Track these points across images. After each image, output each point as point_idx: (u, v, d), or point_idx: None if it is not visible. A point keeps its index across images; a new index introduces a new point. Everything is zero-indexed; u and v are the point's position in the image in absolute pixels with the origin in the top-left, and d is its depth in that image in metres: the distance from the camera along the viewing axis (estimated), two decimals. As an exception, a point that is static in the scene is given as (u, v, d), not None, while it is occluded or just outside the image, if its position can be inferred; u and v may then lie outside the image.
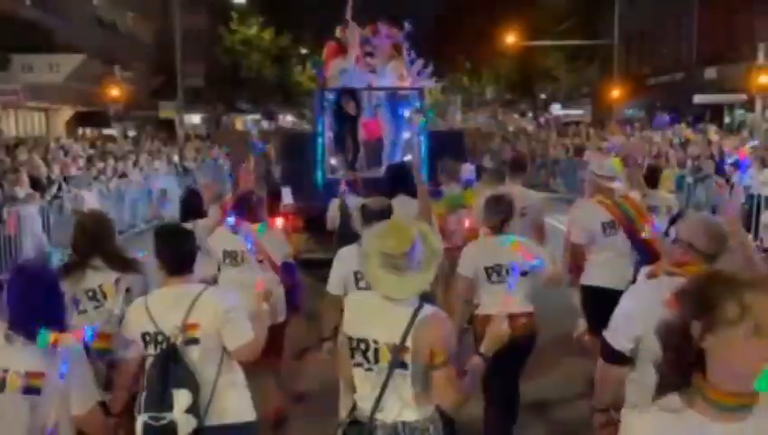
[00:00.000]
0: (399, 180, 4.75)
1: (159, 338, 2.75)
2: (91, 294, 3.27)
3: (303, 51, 41.31)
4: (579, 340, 5.35)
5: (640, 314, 2.49)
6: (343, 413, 2.79)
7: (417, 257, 2.40)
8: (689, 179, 11.36)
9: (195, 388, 2.67)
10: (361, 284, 3.64)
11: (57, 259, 3.77)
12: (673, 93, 26.85)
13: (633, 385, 2.57)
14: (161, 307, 2.78)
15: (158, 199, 13.47)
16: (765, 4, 21.92)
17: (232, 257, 4.33)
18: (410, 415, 2.39)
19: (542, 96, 43.33)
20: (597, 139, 18.05)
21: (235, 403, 2.83)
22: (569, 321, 5.64)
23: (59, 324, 2.40)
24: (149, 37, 34.99)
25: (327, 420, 3.44)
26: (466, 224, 5.42)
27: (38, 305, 2.37)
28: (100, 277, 3.28)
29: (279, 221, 6.26)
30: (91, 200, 10.19)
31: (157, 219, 12.46)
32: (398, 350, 2.34)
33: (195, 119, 37.69)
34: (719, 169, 11.03)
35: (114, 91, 21.62)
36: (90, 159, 13.21)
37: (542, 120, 40.96)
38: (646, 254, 4.24)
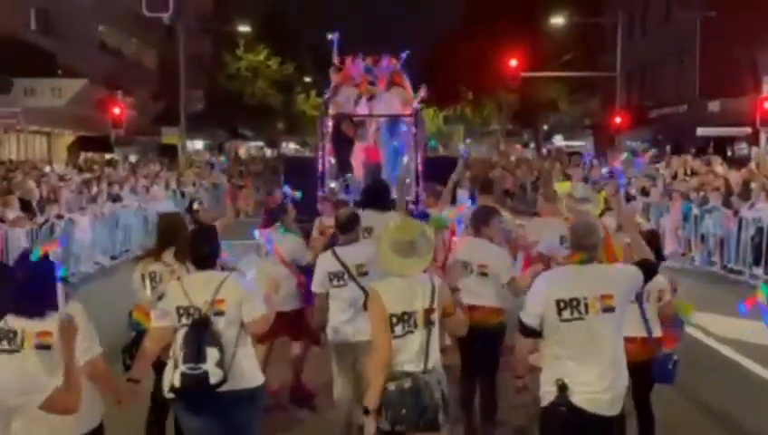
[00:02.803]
0: (370, 198, 5.53)
1: (191, 311, 3.42)
2: (153, 275, 4.15)
3: (307, 79, 41.56)
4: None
5: (540, 296, 3.29)
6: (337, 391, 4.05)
7: (421, 245, 3.30)
8: (696, 211, 11.13)
9: (221, 348, 3.34)
10: (334, 282, 4.43)
11: None
12: (676, 126, 26.78)
13: (545, 351, 3.33)
14: (194, 287, 3.46)
15: (154, 225, 13.21)
16: (767, 38, 21.96)
17: (257, 248, 5.36)
18: (436, 360, 3.27)
19: (545, 127, 43.39)
20: (600, 169, 17.83)
21: (249, 370, 3.48)
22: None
23: (54, 307, 2.92)
24: (153, 63, 35.20)
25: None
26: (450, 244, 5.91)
27: (40, 293, 2.90)
28: (161, 265, 4.13)
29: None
30: (82, 225, 9.96)
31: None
32: (429, 312, 3.24)
33: (197, 145, 37.78)
34: (726, 202, 10.79)
35: (116, 116, 21.59)
36: (87, 183, 13.02)
37: (544, 150, 40.96)
38: None
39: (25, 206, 9.25)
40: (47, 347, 2.87)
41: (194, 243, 3.62)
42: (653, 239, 4.25)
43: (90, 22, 27.61)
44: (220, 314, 3.41)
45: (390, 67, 9.63)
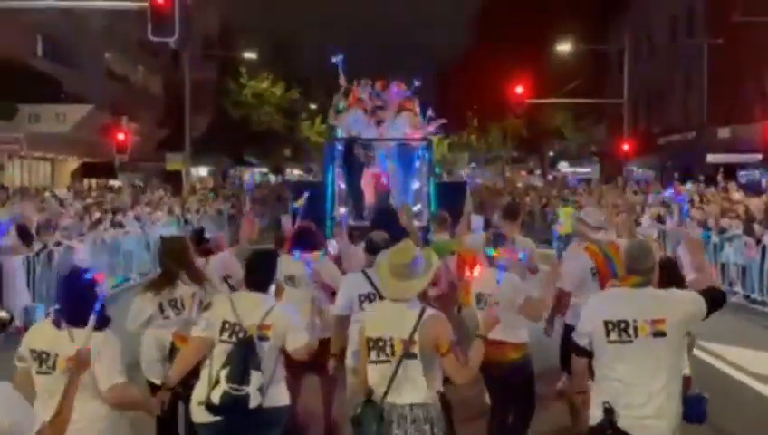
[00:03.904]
0: (378, 224, 5.40)
1: (237, 329, 3.43)
2: (173, 303, 4.12)
3: (312, 106, 41.60)
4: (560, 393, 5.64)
5: (590, 317, 3.31)
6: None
7: (417, 268, 3.23)
8: (715, 239, 10.78)
9: (263, 373, 3.37)
10: (365, 305, 4.29)
11: (40, 315, 4.38)
12: (684, 153, 26.56)
13: (596, 372, 3.32)
14: (244, 306, 3.48)
15: (157, 250, 12.90)
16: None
17: (291, 280, 4.97)
18: (418, 397, 3.07)
19: (550, 154, 43.27)
20: (612, 196, 17.57)
21: (281, 391, 3.54)
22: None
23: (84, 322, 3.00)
24: (159, 90, 35.29)
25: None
26: (453, 271, 5.85)
27: (79, 305, 3.01)
28: (181, 290, 4.12)
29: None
30: (82, 252, 9.65)
31: (153, 272, 11.96)
32: (407, 343, 3.08)
33: (202, 171, 37.66)
34: (748, 230, 10.43)
35: (120, 142, 21.47)
36: (88, 209, 12.74)
37: (549, 177, 40.77)
38: None
39: (23, 232, 8.95)
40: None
41: (253, 266, 3.66)
42: (671, 267, 4.05)
43: (96, 49, 27.73)
44: (265, 338, 3.44)
45: (401, 93, 9.46)
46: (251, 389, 3.32)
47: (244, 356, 3.35)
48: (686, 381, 4.00)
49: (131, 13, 15.72)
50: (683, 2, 27.76)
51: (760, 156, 21.52)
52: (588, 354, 3.30)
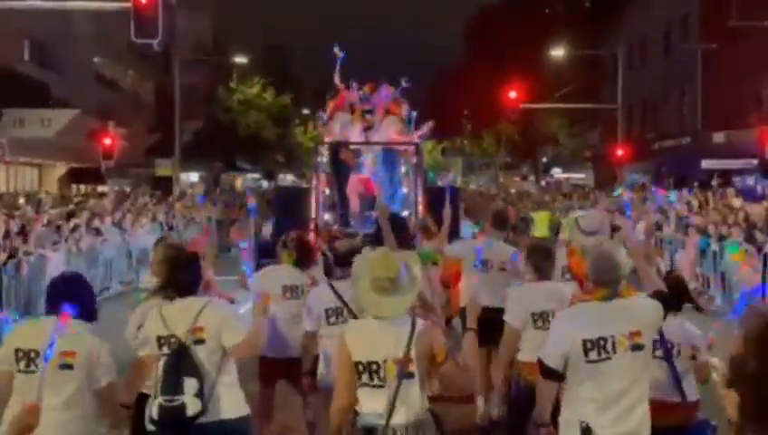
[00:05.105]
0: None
1: (172, 340, 3.33)
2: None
3: (305, 111, 41.33)
4: None
5: (565, 336, 3.09)
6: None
7: (402, 282, 2.96)
8: (714, 246, 10.47)
9: (201, 378, 3.26)
10: (331, 320, 4.08)
11: (9, 329, 4.12)
12: (679, 158, 26.35)
13: (566, 392, 3.14)
14: (173, 315, 3.37)
15: (139, 260, 12.53)
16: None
17: (292, 291, 4.73)
18: (412, 416, 2.90)
19: (544, 159, 43.09)
20: (604, 201, 17.28)
21: (231, 399, 3.36)
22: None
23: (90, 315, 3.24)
24: (150, 95, 34.92)
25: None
26: (436, 281, 5.74)
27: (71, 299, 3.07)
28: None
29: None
30: (56, 261, 9.25)
31: (134, 282, 11.66)
32: (403, 363, 2.85)
33: (193, 177, 37.25)
34: (749, 237, 10.12)
35: (107, 147, 21.09)
36: (69, 216, 12.32)
37: (543, 183, 40.55)
38: None
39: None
40: (69, 367, 3.02)
41: (176, 270, 3.54)
42: (681, 287, 3.84)
43: (85, 54, 27.36)
44: (200, 342, 3.33)
45: (389, 96, 9.22)
46: (186, 397, 3.22)
47: (174, 365, 3.27)
48: (695, 405, 3.77)
49: (122, 16, 15.39)
50: (678, 7, 27.61)
51: (755, 161, 21.30)
52: (560, 378, 3.12)
